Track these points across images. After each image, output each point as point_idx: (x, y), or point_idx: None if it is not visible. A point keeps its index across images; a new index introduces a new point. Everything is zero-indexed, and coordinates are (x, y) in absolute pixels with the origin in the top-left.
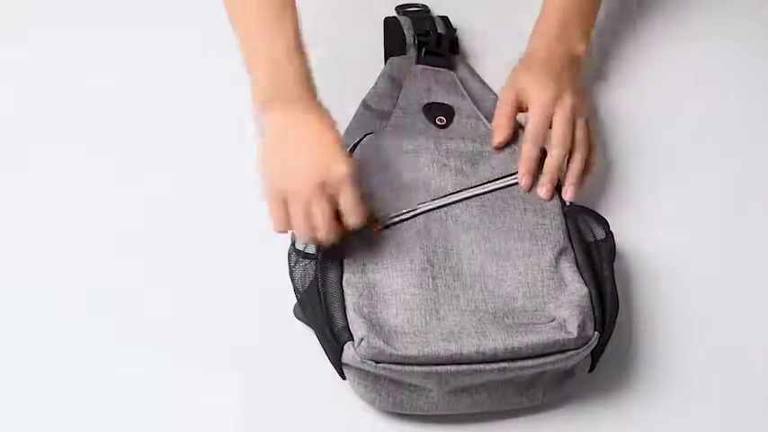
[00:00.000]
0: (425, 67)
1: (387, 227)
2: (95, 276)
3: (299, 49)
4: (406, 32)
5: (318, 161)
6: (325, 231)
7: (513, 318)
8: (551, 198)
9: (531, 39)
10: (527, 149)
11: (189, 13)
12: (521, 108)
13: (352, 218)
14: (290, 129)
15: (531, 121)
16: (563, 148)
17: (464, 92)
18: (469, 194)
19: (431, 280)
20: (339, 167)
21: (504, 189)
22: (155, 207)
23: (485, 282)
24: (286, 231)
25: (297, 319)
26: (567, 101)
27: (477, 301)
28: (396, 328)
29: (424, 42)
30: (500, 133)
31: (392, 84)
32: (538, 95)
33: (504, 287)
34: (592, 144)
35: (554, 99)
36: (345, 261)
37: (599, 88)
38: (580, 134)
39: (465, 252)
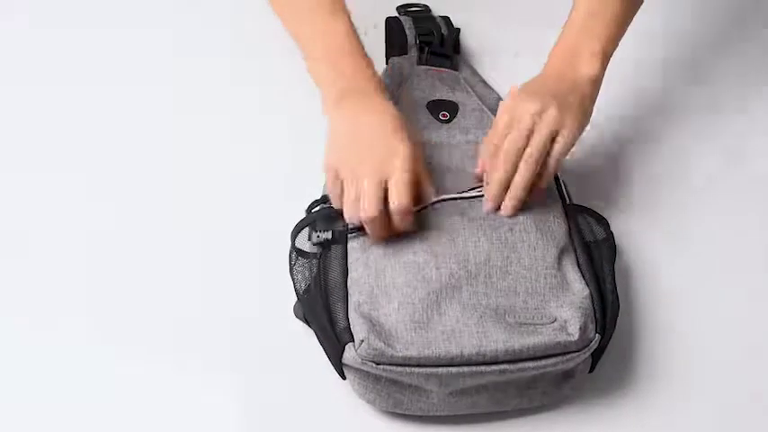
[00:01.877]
0: (429, 67)
1: None
2: (95, 276)
3: (357, 42)
4: (407, 32)
5: (378, 146)
6: (367, 212)
7: (514, 316)
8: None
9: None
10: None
11: (187, 13)
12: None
13: (399, 200)
14: (358, 120)
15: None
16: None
17: (468, 89)
18: (474, 194)
19: (434, 270)
20: (399, 155)
21: None
22: (155, 207)
23: (489, 272)
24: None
25: (297, 319)
26: (551, 113)
27: (479, 294)
28: (397, 324)
29: (428, 42)
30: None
31: (393, 83)
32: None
33: (508, 279)
34: (546, 164)
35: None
36: (349, 260)
37: (602, 87)
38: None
39: (471, 240)
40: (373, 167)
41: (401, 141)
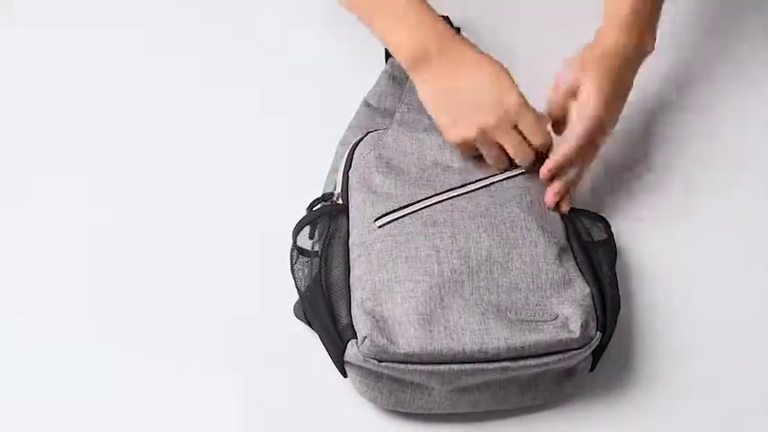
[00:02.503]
0: None
1: (391, 221)
2: (95, 276)
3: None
4: None
5: (490, 99)
6: (521, 158)
7: (516, 313)
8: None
9: (606, 28)
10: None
11: (188, 12)
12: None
13: (537, 138)
14: (452, 75)
15: (576, 137)
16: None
17: None
18: (475, 187)
19: (436, 265)
20: (512, 98)
21: (511, 180)
22: (154, 206)
23: (490, 268)
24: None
25: (297, 319)
26: (612, 123)
27: (481, 289)
28: (401, 318)
29: None
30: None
31: (393, 83)
32: (595, 110)
33: (510, 276)
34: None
35: (606, 119)
36: (351, 257)
37: None
38: (592, 153)
39: (472, 236)
40: (497, 119)
41: (507, 85)
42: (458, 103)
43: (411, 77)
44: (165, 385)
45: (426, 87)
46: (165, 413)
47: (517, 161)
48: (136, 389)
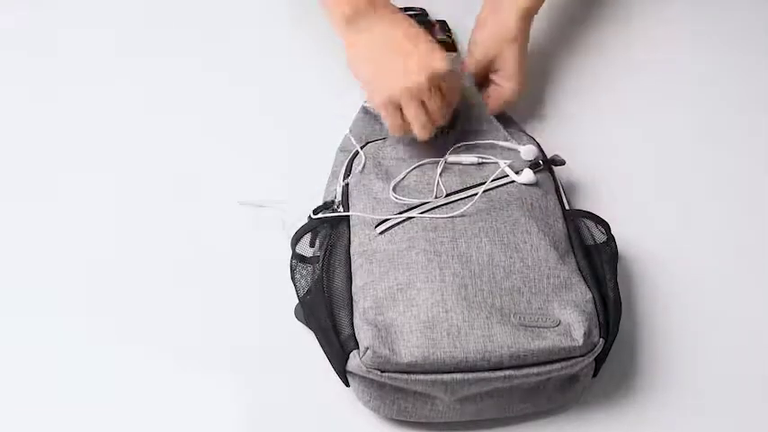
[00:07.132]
0: None
1: (391, 227)
2: (96, 276)
3: None
4: None
5: (419, 61)
6: (440, 119)
7: (519, 317)
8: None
9: None
10: None
11: (188, 13)
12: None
13: (439, 123)
14: (381, 40)
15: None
16: None
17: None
18: (475, 192)
19: (438, 271)
20: (440, 62)
21: (511, 184)
22: (155, 207)
23: (493, 272)
24: (402, 134)
25: (300, 326)
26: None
27: (484, 292)
28: (403, 327)
29: None
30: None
31: None
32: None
33: (512, 279)
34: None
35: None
36: (352, 267)
37: (599, 89)
38: None
39: (473, 241)
40: (427, 82)
41: (435, 51)
42: (386, 69)
43: (344, 42)
44: (165, 386)
45: (353, 51)
46: (165, 414)
47: (420, 137)
48: (136, 389)
